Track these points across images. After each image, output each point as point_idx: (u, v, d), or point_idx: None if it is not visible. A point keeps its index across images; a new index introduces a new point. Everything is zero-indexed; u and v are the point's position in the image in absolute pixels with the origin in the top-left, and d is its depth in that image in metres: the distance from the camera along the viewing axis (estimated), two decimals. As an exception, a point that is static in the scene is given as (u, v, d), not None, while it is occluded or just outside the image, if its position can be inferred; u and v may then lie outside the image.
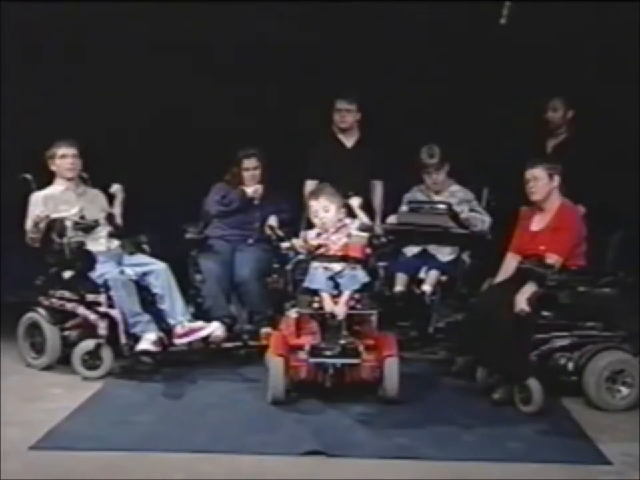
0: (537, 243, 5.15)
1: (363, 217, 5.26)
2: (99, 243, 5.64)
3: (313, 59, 6.84)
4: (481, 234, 5.95)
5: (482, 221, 5.99)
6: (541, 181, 5.17)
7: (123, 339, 5.36)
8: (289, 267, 5.21)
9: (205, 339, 5.53)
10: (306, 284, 5.01)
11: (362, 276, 5.00)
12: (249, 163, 6.15)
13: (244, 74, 6.90)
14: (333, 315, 4.88)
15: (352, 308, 4.95)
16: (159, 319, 5.46)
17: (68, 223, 5.49)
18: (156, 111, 6.82)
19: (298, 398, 4.95)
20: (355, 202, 5.30)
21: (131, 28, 6.78)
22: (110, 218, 5.76)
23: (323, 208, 5.14)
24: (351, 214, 5.24)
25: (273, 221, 6.04)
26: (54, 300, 5.57)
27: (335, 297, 4.93)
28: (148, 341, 5.30)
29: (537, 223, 5.25)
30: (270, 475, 4.09)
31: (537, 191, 5.18)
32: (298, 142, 6.50)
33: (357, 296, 4.96)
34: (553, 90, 6.31)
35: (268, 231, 5.99)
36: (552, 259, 5.01)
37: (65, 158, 5.69)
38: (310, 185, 6.16)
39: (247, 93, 6.88)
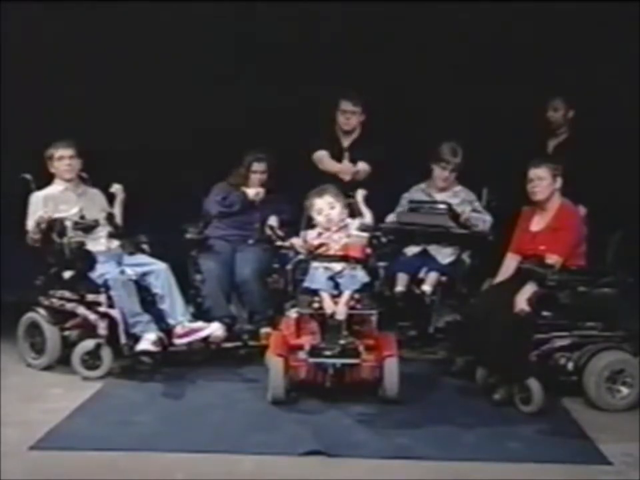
0: (537, 243, 5.14)
1: (365, 211, 5.26)
2: (99, 242, 5.64)
3: (314, 59, 6.84)
4: (482, 234, 5.95)
5: (483, 220, 5.97)
6: (544, 181, 5.15)
7: (122, 339, 5.35)
8: (289, 266, 5.21)
9: (205, 339, 5.52)
10: (306, 284, 5.01)
11: (362, 276, 5.00)
12: (258, 166, 6.14)
13: (244, 74, 6.90)
14: (332, 315, 4.88)
15: (352, 308, 4.94)
16: (159, 319, 5.46)
17: (68, 223, 5.48)
18: (156, 110, 6.80)
19: (298, 398, 4.95)
20: (360, 195, 5.30)
21: (130, 28, 6.78)
22: (110, 218, 5.76)
23: (329, 205, 5.15)
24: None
25: (273, 221, 6.03)
26: (54, 300, 5.56)
27: (335, 297, 4.93)
28: (148, 341, 5.30)
29: (537, 223, 5.24)
30: (270, 475, 4.09)
31: (540, 190, 5.16)
32: (298, 142, 6.49)
33: (357, 296, 4.96)
34: (554, 89, 6.31)
35: (268, 231, 5.98)
36: (552, 259, 5.00)
37: (62, 160, 5.68)
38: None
39: (248, 93, 6.87)
